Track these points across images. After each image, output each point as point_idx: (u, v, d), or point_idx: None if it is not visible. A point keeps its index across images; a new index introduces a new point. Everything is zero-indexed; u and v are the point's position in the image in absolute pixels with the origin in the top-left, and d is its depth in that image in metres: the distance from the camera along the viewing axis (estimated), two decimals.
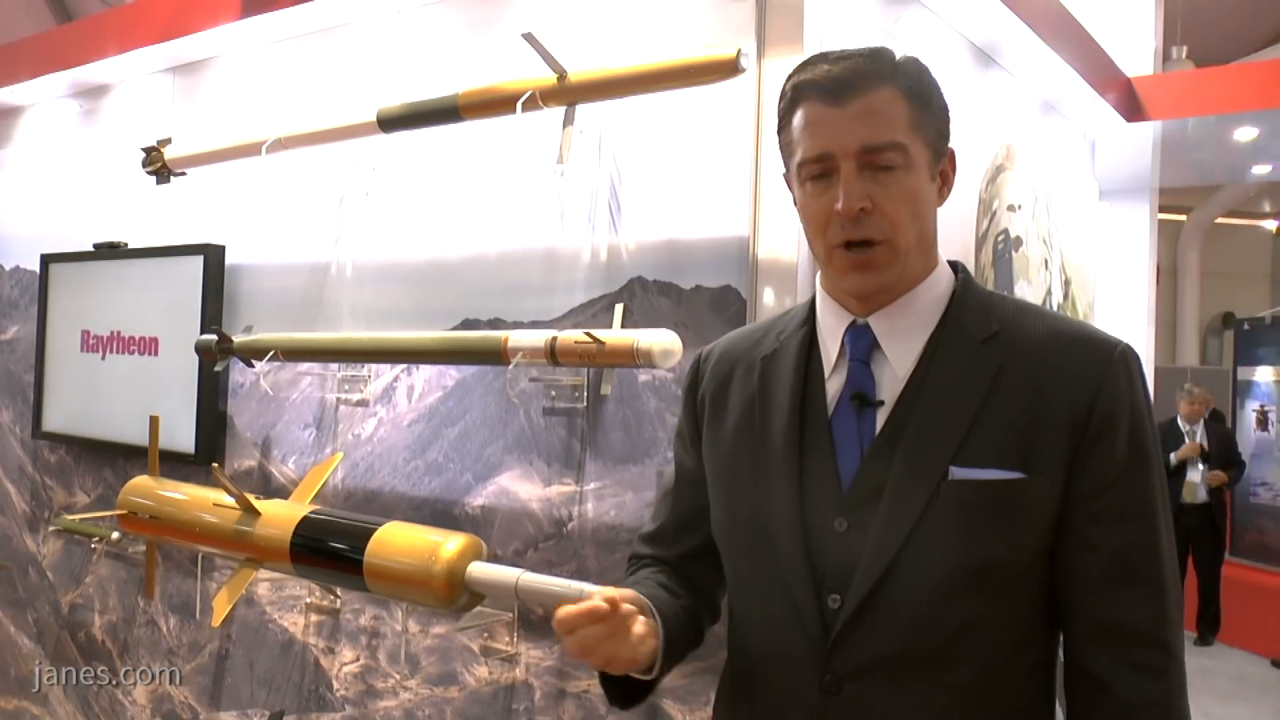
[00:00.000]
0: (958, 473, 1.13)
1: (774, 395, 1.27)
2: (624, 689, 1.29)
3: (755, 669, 1.27)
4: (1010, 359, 1.16)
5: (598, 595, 1.14)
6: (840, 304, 1.25)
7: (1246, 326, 9.37)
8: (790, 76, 1.22)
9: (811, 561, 1.18)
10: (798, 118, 1.19)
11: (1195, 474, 6.75)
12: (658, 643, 1.21)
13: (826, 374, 1.25)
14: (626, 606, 1.15)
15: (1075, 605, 1.15)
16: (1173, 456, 6.65)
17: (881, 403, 1.20)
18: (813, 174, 1.18)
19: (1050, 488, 1.13)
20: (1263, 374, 8.92)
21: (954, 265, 1.27)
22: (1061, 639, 1.21)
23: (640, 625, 1.17)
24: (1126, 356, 1.15)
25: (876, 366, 1.21)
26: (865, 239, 1.16)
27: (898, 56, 1.22)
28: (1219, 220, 13.93)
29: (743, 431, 1.29)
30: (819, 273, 1.29)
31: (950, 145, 1.24)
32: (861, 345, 1.22)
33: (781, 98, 1.23)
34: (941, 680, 1.13)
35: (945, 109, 1.24)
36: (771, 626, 1.22)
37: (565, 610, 1.13)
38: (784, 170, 1.27)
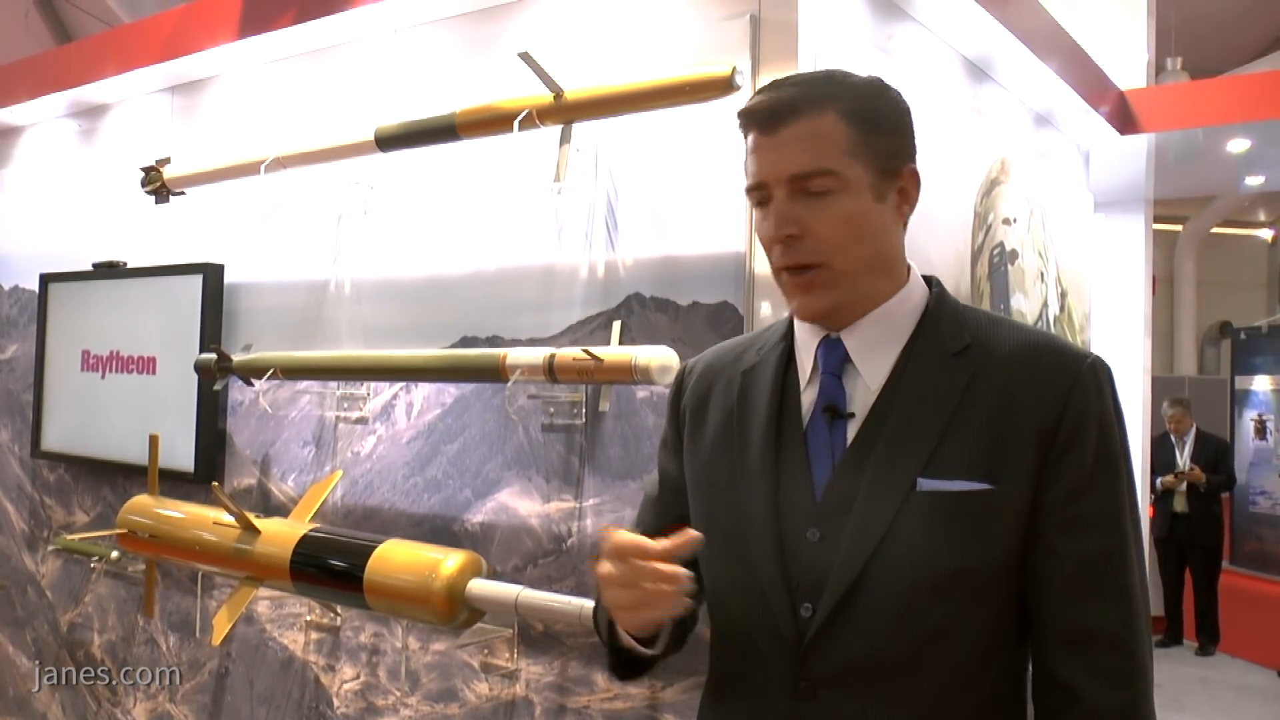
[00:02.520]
0: (926, 484, 1.15)
1: (752, 408, 1.29)
2: (626, 661, 1.28)
3: (733, 677, 1.29)
4: (981, 371, 1.18)
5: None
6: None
7: (1243, 336, 9.38)
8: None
9: (786, 571, 1.20)
10: (746, 146, 1.24)
11: (1182, 485, 6.76)
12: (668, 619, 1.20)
13: (802, 387, 1.27)
14: (667, 568, 1.12)
15: (1044, 613, 1.16)
16: (1159, 482, 6.69)
17: (852, 415, 1.22)
18: (755, 200, 1.23)
19: (1019, 498, 1.14)
20: (1260, 383, 8.92)
21: (928, 280, 1.29)
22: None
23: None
24: (1096, 368, 1.17)
25: (849, 379, 1.23)
26: (797, 264, 1.19)
27: (854, 79, 1.23)
28: (1215, 230, 13.95)
29: (721, 443, 1.31)
30: None
31: (912, 165, 1.23)
32: (833, 359, 1.24)
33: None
34: (913, 687, 1.15)
35: (900, 128, 1.23)
36: (748, 635, 1.24)
37: (627, 536, 1.13)
38: None
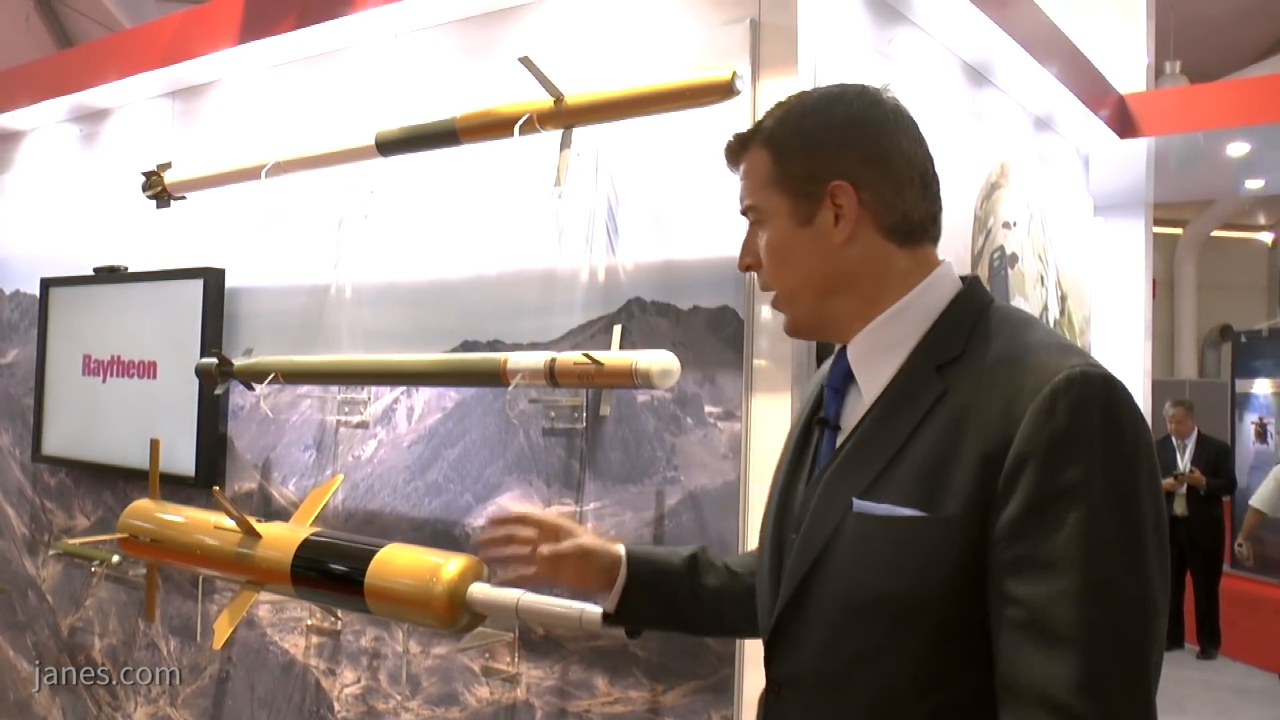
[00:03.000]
0: (861, 506, 1.13)
1: (803, 417, 1.34)
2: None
3: None
4: (953, 386, 1.11)
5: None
6: None
7: (1244, 339, 9.41)
8: None
9: (775, 571, 1.25)
10: None
11: (1182, 487, 6.77)
12: (614, 583, 1.50)
13: None
14: (526, 533, 1.54)
15: (994, 654, 1.06)
16: None
17: (838, 427, 1.23)
18: None
19: (962, 528, 1.06)
20: (1260, 386, 8.94)
21: (966, 280, 1.22)
22: None
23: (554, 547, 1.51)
24: (1070, 384, 1.03)
25: (854, 391, 1.23)
26: (763, 288, 1.30)
27: (785, 104, 1.25)
28: (1215, 233, 13.98)
29: (784, 451, 1.38)
30: None
31: (839, 181, 1.18)
32: (838, 370, 1.25)
33: None
34: (843, 704, 1.15)
35: (819, 146, 1.20)
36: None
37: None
38: None
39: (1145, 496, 1.03)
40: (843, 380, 1.24)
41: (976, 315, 1.18)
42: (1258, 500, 7.15)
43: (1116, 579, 1.00)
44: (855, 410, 1.21)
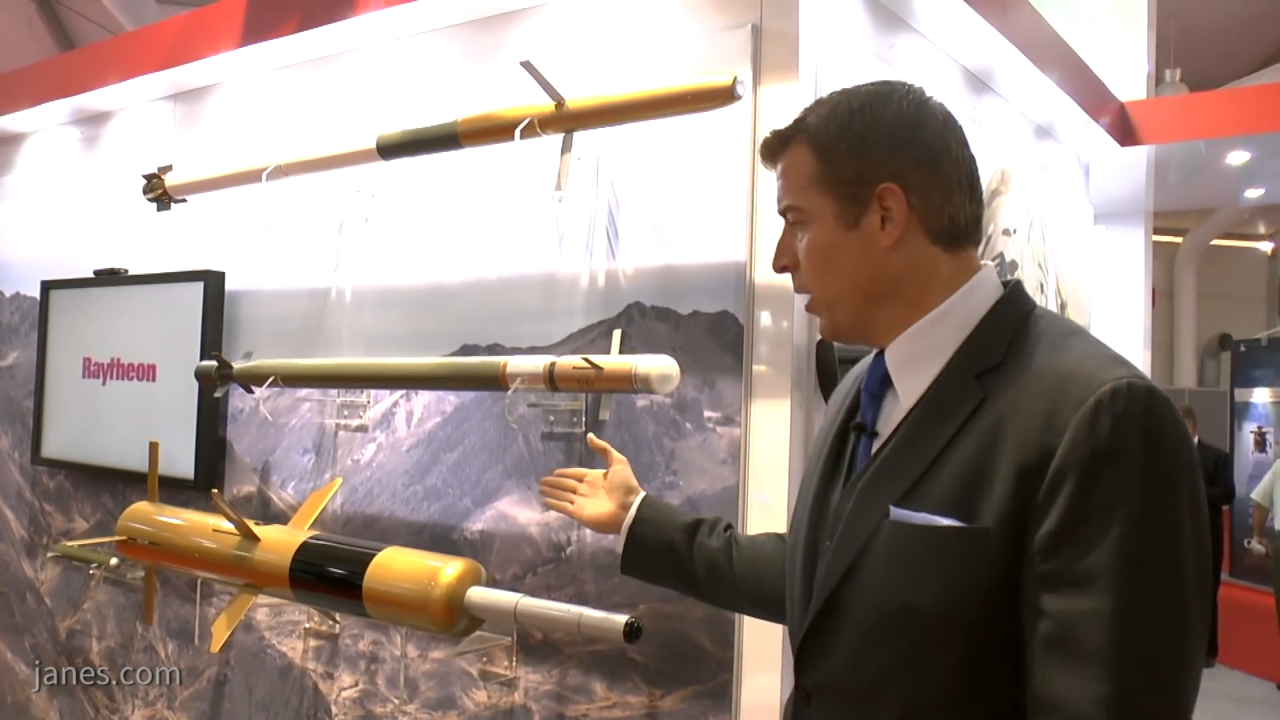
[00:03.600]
0: (898, 514, 1.11)
1: (833, 421, 1.34)
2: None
3: None
4: (993, 394, 1.09)
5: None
6: None
7: (1243, 348, 9.42)
8: None
9: (807, 576, 1.24)
10: None
11: None
12: (620, 524, 1.69)
13: None
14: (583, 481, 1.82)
15: (1027, 670, 1.04)
16: None
17: (876, 434, 1.21)
18: None
19: (997, 541, 1.04)
20: (1260, 395, 8.94)
21: (1008, 285, 1.21)
22: None
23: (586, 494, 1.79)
24: (1112, 397, 1.01)
25: (890, 397, 1.21)
26: (798, 290, 1.27)
27: (830, 102, 1.22)
28: (1215, 242, 13.97)
29: (812, 454, 1.37)
30: None
31: (888, 184, 1.16)
32: (875, 376, 1.23)
33: None
34: (873, 716, 1.13)
35: (868, 148, 1.18)
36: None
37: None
38: None
39: (1186, 515, 1.00)
40: (879, 385, 1.22)
41: (1019, 322, 1.16)
42: (1257, 494, 7.16)
43: (1152, 598, 0.98)
44: (892, 416, 1.20)
